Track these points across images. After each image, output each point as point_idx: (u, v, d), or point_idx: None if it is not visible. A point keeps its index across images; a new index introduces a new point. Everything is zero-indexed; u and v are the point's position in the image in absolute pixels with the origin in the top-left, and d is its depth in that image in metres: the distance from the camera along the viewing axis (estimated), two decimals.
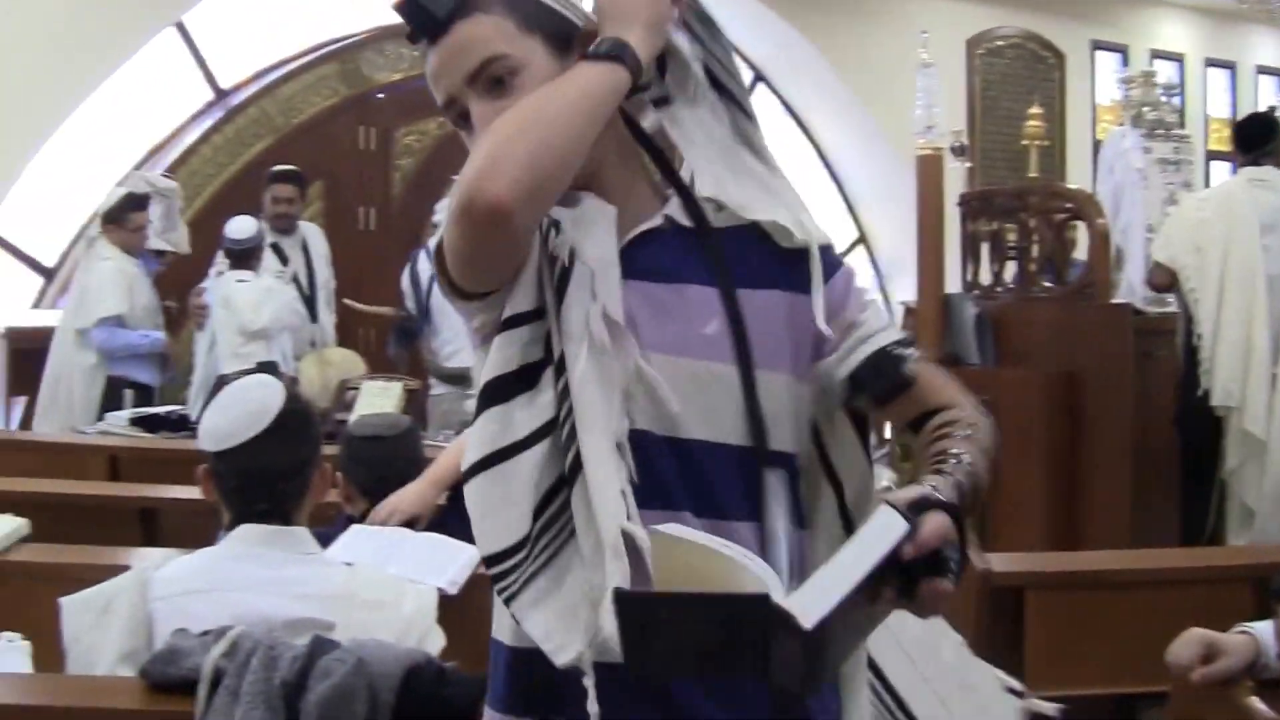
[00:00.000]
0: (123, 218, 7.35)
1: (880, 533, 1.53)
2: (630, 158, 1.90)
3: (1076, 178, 11.72)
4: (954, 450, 1.75)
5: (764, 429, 1.78)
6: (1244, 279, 6.22)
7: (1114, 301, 6.75)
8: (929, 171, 7.14)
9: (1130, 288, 7.27)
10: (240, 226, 7.30)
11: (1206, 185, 10.61)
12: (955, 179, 8.54)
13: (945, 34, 11.82)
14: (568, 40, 1.83)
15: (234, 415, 2.81)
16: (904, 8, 11.94)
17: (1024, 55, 13.04)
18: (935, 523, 1.55)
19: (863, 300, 1.91)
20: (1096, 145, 11.74)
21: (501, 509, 1.69)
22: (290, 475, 2.81)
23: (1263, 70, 15.15)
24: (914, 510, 1.55)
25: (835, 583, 1.45)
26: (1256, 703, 2.37)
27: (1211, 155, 13.72)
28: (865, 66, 11.60)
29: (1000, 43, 12.90)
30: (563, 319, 1.73)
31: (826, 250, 1.89)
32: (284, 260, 7.80)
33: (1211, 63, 14.69)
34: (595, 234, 1.78)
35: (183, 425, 6.42)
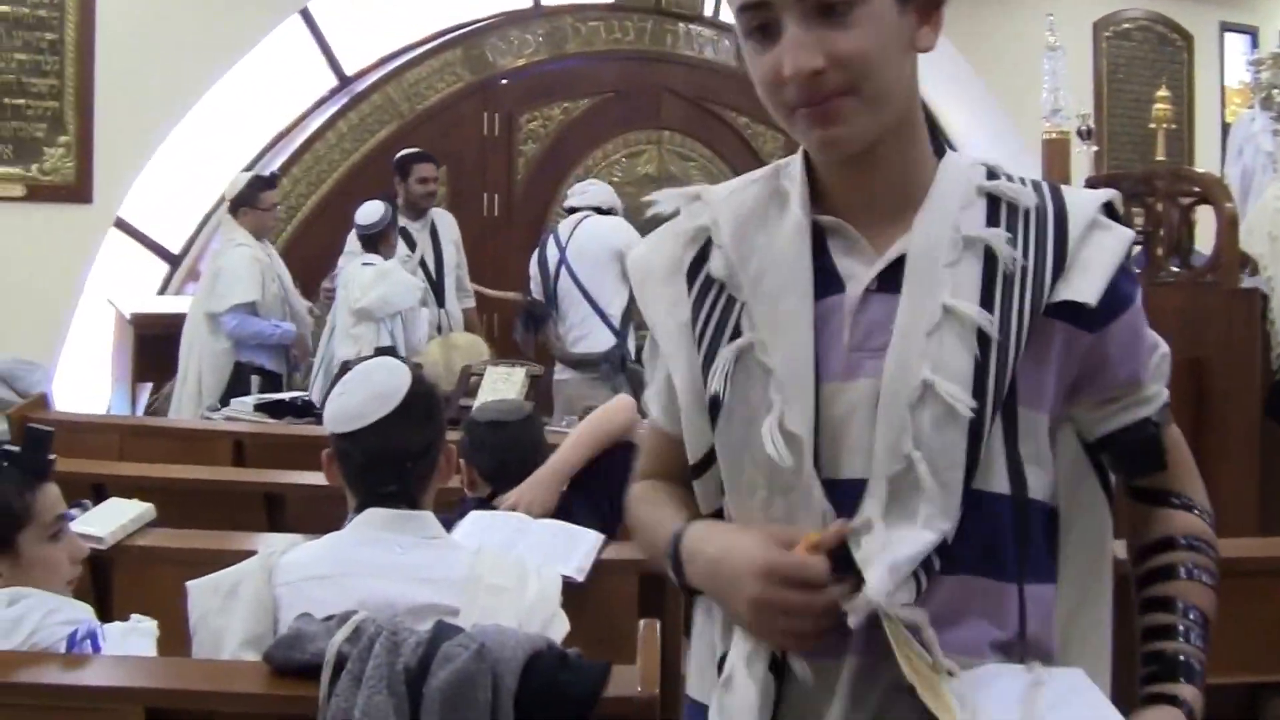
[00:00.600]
0: (253, 198, 7.42)
1: None
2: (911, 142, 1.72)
3: (1204, 161, 11.53)
4: (1188, 621, 1.74)
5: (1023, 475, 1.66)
6: None
7: (1242, 287, 6.62)
8: (1055, 155, 7.07)
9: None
10: (369, 211, 7.37)
11: None
12: (1082, 163, 8.43)
13: (1072, 17, 11.66)
14: None
15: (361, 397, 2.84)
16: None
17: (1151, 38, 12.83)
18: None
19: (1149, 350, 1.75)
20: (1225, 129, 11.54)
21: None
22: (418, 456, 2.84)
23: None
24: None
25: None
26: None
27: None
28: (992, 51, 11.49)
29: (1127, 25, 12.70)
30: (725, 426, 1.70)
31: (1121, 278, 1.68)
32: (411, 245, 7.85)
33: None
34: (786, 325, 1.67)
35: (307, 411, 6.50)
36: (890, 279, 1.65)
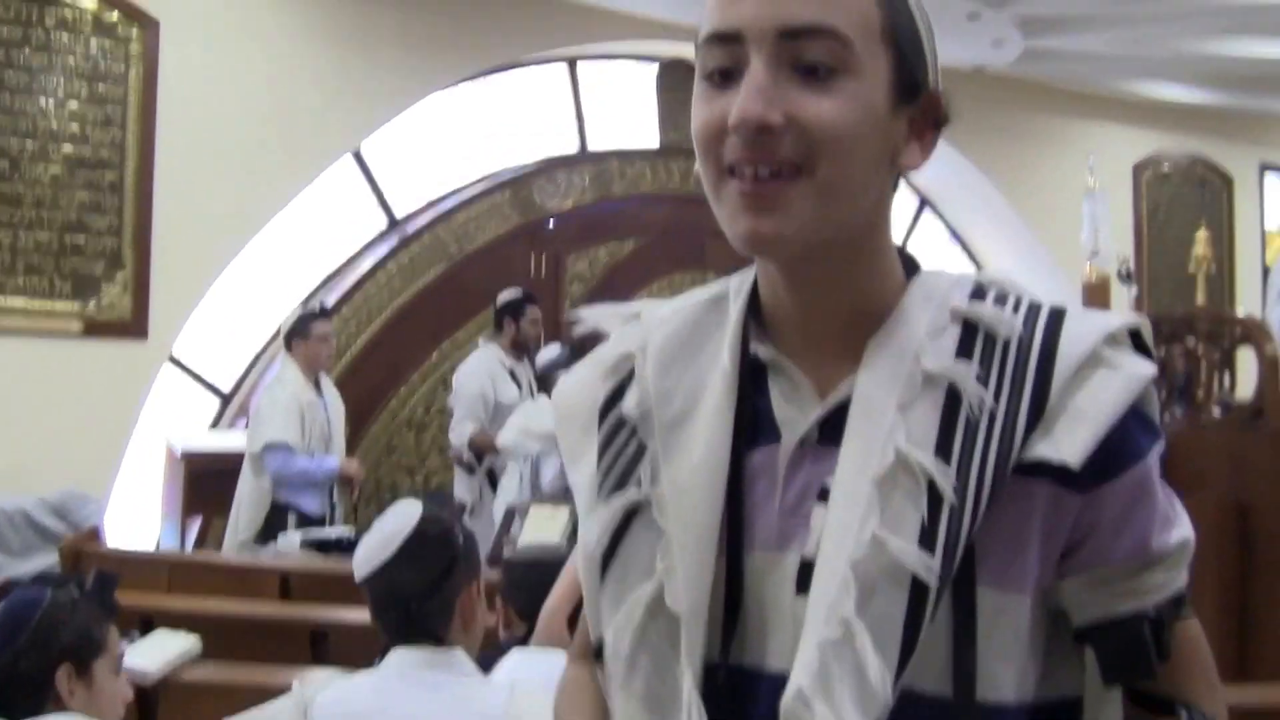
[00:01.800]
0: (305, 329, 7.49)
1: None
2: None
3: (1245, 303, 11.56)
4: None
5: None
6: None
7: None
8: (1096, 298, 7.11)
9: None
10: (549, 352, 7.46)
11: None
12: (1122, 305, 8.47)
13: (1112, 159, 11.79)
14: (914, 89, 1.36)
15: (368, 543, 2.95)
16: (1071, 133, 11.94)
17: (1191, 179, 12.93)
18: None
19: (1161, 523, 1.38)
20: (1265, 271, 11.58)
21: None
22: (423, 597, 2.89)
23: None
24: None
25: None
26: None
27: None
28: (1033, 192, 11.60)
29: (1168, 167, 12.81)
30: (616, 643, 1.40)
31: (1130, 426, 1.34)
32: (517, 385, 7.91)
33: None
34: (693, 481, 1.38)
35: (351, 547, 6.56)
36: (835, 427, 1.35)
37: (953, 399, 1.32)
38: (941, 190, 11.79)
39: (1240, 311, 9.02)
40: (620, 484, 1.40)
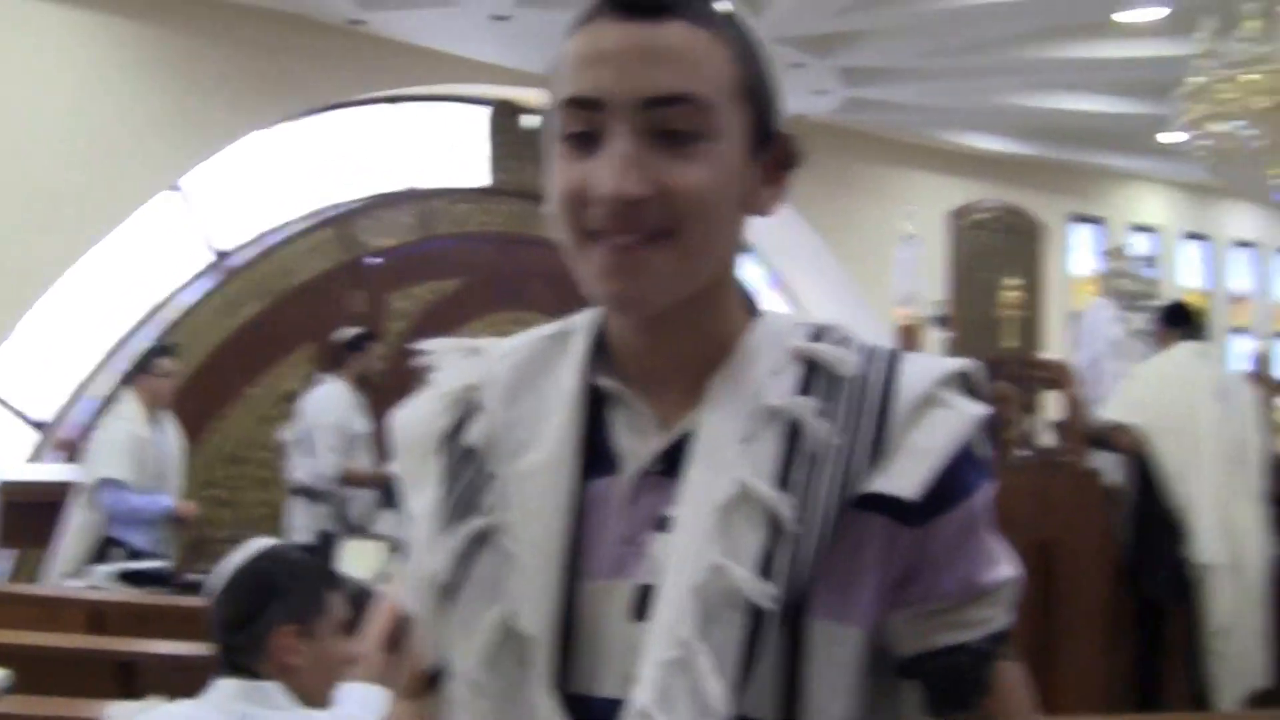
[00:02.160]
0: (148, 365, 7.41)
1: None
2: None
3: (1053, 347, 11.89)
4: None
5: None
6: (1202, 440, 6.42)
7: (1086, 469, 6.86)
8: (910, 341, 7.30)
9: (1104, 456, 7.38)
10: None
11: None
12: (935, 348, 8.68)
13: (928, 206, 12.06)
14: (767, 138, 1.38)
15: (212, 576, 3.00)
16: (890, 181, 12.24)
17: (1003, 227, 13.27)
18: None
19: (988, 561, 1.39)
20: (1072, 316, 11.94)
21: None
22: (234, 629, 2.92)
23: (1237, 243, 15.43)
24: None
25: None
26: None
27: None
28: (852, 238, 11.85)
29: (982, 215, 13.14)
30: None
31: (963, 465, 1.36)
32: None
33: (1188, 235, 14.97)
34: (539, 508, 1.38)
35: (165, 581, 6.51)
36: (675, 461, 1.36)
37: (794, 433, 1.33)
38: (762, 235, 11.98)
39: (1047, 355, 9.30)
40: (467, 511, 1.39)
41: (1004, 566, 1.39)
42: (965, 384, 1.39)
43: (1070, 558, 6.40)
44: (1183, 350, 6.72)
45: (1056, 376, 7.23)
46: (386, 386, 8.66)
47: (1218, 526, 6.27)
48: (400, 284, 10.14)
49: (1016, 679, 1.43)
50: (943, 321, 9.33)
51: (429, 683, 1.45)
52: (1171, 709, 6.29)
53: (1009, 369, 7.38)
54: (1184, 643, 6.34)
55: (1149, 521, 6.40)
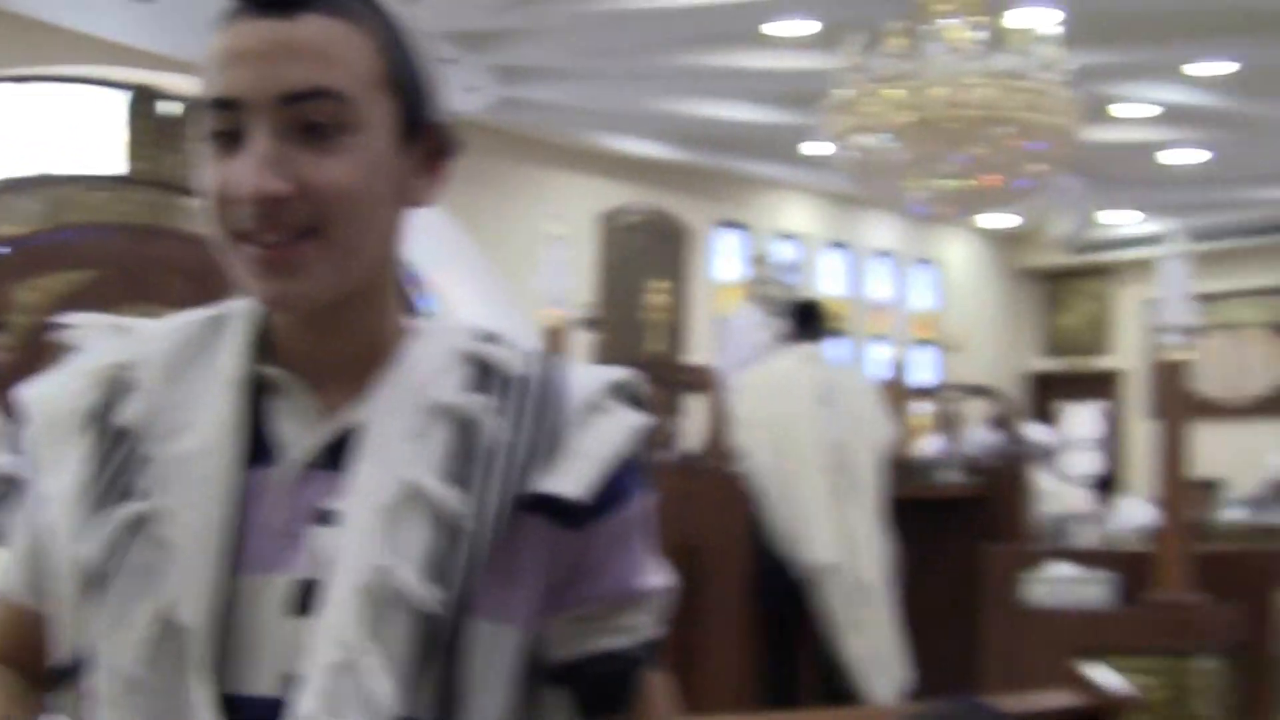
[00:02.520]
0: None
1: None
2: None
3: (698, 351, 12.09)
4: None
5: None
6: (804, 447, 6.58)
7: (730, 471, 6.95)
8: (557, 343, 7.27)
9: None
10: None
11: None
12: (582, 351, 8.70)
13: (579, 208, 12.15)
14: (419, 127, 1.37)
15: None
16: (541, 182, 12.24)
17: (652, 231, 13.46)
18: None
19: (644, 569, 1.42)
20: (718, 321, 12.15)
21: None
22: None
23: (878, 253, 15.96)
24: None
25: None
26: None
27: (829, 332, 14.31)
28: (501, 238, 11.79)
29: (632, 218, 13.29)
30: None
31: (623, 472, 1.38)
32: None
33: (831, 243, 15.41)
34: (197, 495, 1.32)
35: None
36: (337, 454, 1.34)
37: (464, 431, 1.33)
38: (410, 233, 11.81)
39: (692, 359, 9.43)
40: (120, 496, 1.33)
41: (658, 575, 1.42)
42: (629, 394, 1.41)
43: (713, 560, 6.46)
44: (790, 356, 6.88)
45: (701, 381, 7.31)
46: (7, 379, 8.22)
47: (829, 531, 6.43)
48: (27, 275, 9.65)
49: (660, 687, 1.46)
50: (590, 324, 9.38)
51: (58, 677, 1.36)
52: (806, 705, 6.42)
53: (654, 372, 7.43)
54: (811, 643, 6.47)
55: (763, 529, 6.52)
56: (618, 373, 1.42)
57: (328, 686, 1.24)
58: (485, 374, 1.37)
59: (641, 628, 1.41)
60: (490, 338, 1.42)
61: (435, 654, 1.27)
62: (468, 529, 1.29)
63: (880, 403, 6.98)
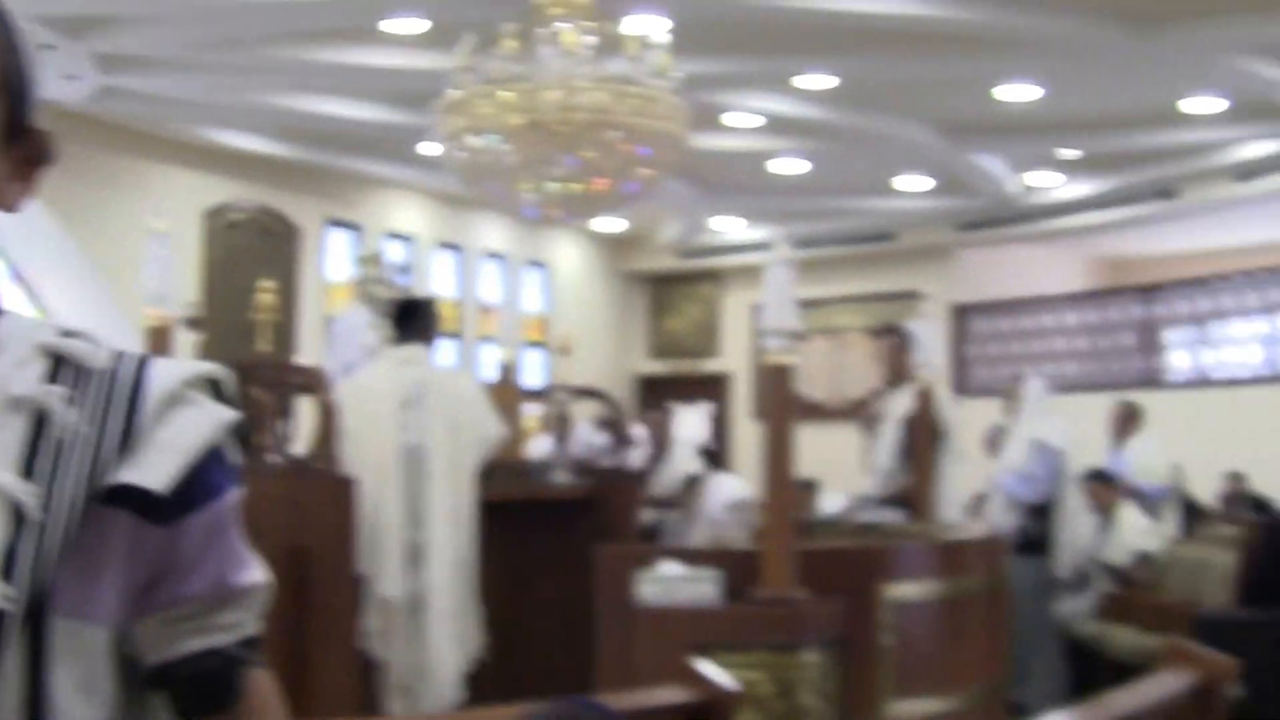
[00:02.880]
0: None
1: None
2: None
3: (308, 352, 11.91)
4: None
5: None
6: (383, 453, 6.67)
7: (338, 475, 6.85)
8: (159, 343, 7.02)
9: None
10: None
11: None
12: (187, 351, 8.45)
13: (183, 203, 11.82)
14: (20, 130, 1.36)
15: None
16: (143, 175, 11.86)
17: (259, 228, 13.20)
18: None
19: (238, 564, 1.39)
20: (328, 321, 11.99)
21: None
22: None
23: (489, 254, 16.02)
24: None
25: None
26: None
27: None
28: (101, 233, 11.40)
29: (238, 215, 13.00)
30: None
31: (212, 467, 1.35)
32: None
33: (442, 245, 15.40)
34: None
35: None
36: None
37: (39, 423, 1.28)
38: (4, 225, 11.30)
39: (302, 360, 9.27)
40: None
41: (253, 571, 1.39)
42: (215, 388, 1.39)
43: (325, 565, 6.37)
44: (387, 360, 6.90)
45: (310, 382, 7.18)
46: None
47: (395, 562, 6.57)
48: None
49: (266, 686, 1.43)
50: (194, 323, 9.12)
51: None
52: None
53: (263, 373, 7.28)
54: None
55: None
56: (202, 366, 1.40)
57: None
58: (64, 367, 1.33)
59: (240, 625, 1.38)
60: (73, 334, 1.37)
61: (11, 655, 1.22)
62: (42, 520, 1.24)
63: (485, 404, 7.02)
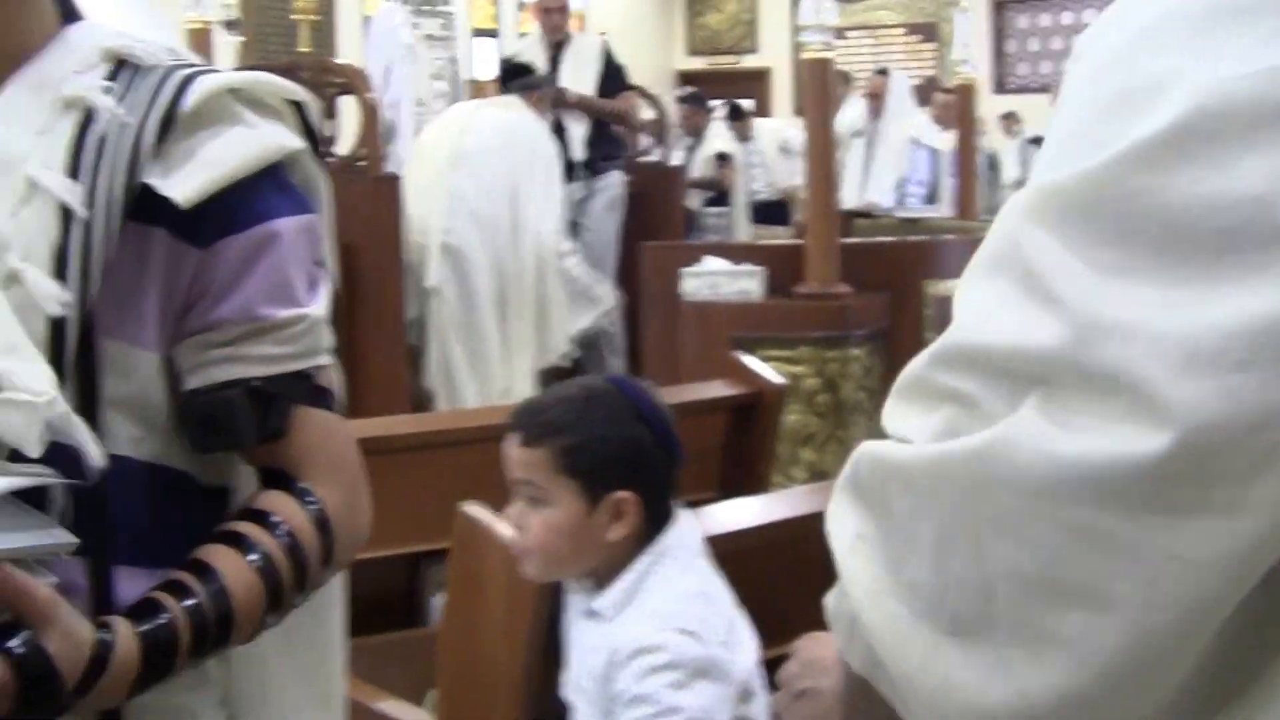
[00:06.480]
0: None
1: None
2: None
3: (347, 53, 11.81)
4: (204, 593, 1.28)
5: None
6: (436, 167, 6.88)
7: (384, 174, 6.87)
8: (199, 46, 7.00)
9: (398, 161, 7.41)
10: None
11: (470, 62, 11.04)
12: (227, 53, 8.40)
13: None
14: None
15: None
16: None
17: None
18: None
19: (277, 292, 1.35)
20: (366, 20, 11.85)
21: None
22: None
23: None
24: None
25: None
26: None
27: (477, 32, 14.12)
28: None
29: None
30: None
31: (262, 191, 1.34)
32: None
33: None
34: None
35: None
36: None
37: (89, 122, 1.28)
38: None
39: (343, 60, 9.21)
40: None
41: (298, 306, 1.35)
42: (300, 115, 1.39)
43: (372, 261, 6.44)
44: (471, 103, 6.95)
45: (351, 82, 7.14)
46: None
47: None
48: None
49: (330, 430, 1.40)
50: (232, 25, 9.03)
51: None
52: None
53: (304, 75, 7.24)
54: None
55: None
56: (277, 82, 1.38)
57: (37, 370, 1.19)
58: (123, 70, 1.32)
59: (279, 359, 1.35)
60: (138, 40, 1.36)
61: (66, 368, 1.23)
62: (83, 219, 1.24)
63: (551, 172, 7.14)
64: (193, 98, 1.29)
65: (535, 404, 2.32)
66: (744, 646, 2.20)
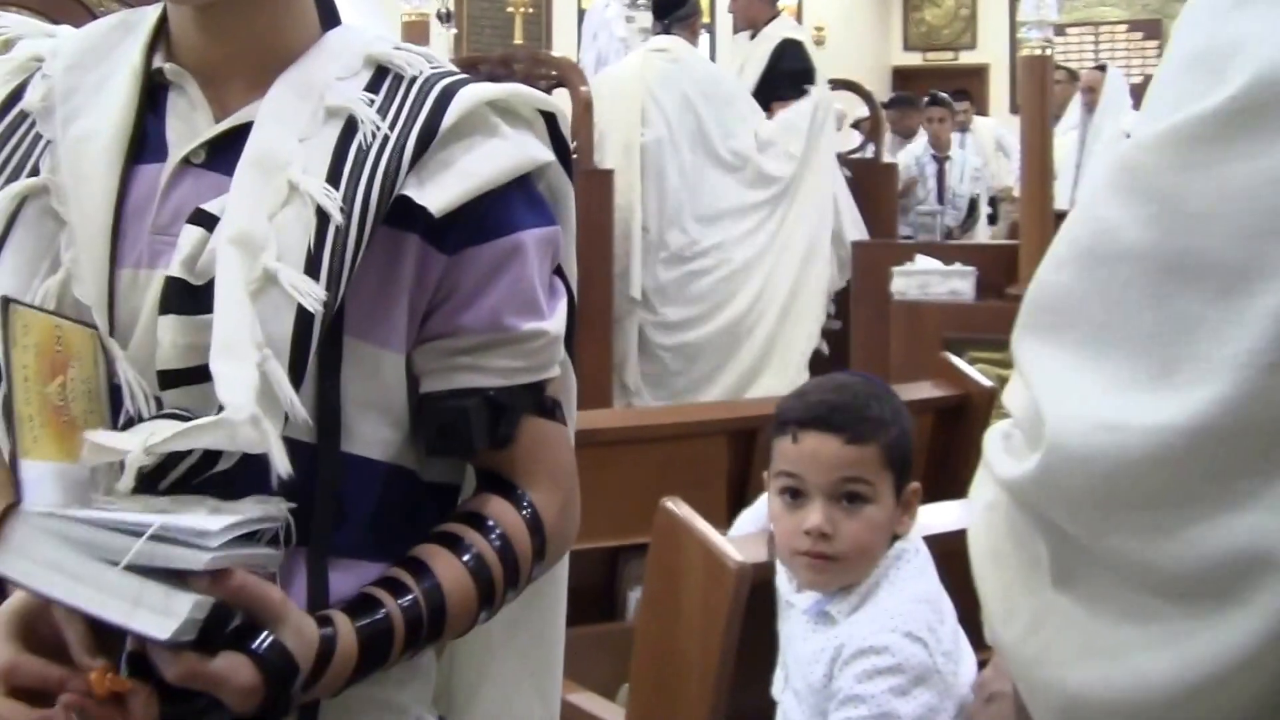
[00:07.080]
0: None
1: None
2: None
3: (561, 45, 11.89)
4: (422, 594, 1.31)
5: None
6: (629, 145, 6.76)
7: (596, 168, 6.90)
8: (415, 38, 7.09)
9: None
10: None
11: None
12: (443, 45, 8.51)
13: None
14: None
15: None
16: None
17: None
18: (225, 666, 1.14)
19: (525, 305, 1.37)
20: (582, 14, 11.93)
21: None
22: None
23: None
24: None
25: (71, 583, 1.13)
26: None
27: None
28: None
29: None
30: None
31: (510, 202, 1.36)
32: None
33: None
34: (89, 177, 1.31)
35: None
36: (227, 154, 1.31)
37: (350, 130, 1.31)
38: None
39: (557, 53, 9.27)
40: (15, 174, 1.34)
41: (540, 320, 1.38)
42: (551, 127, 1.41)
43: (582, 255, 6.45)
44: (640, 50, 6.87)
45: (564, 75, 7.18)
46: None
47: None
48: None
49: (555, 440, 1.43)
50: (448, 18, 9.14)
51: None
52: None
53: (517, 67, 7.30)
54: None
55: None
56: (534, 95, 1.40)
57: (250, 385, 1.21)
58: (383, 75, 1.36)
59: (516, 371, 1.37)
60: (404, 48, 1.39)
61: (309, 367, 1.26)
62: (341, 224, 1.26)
63: (744, 104, 7.01)
64: (453, 113, 1.32)
65: (839, 402, 2.17)
66: (966, 660, 2.13)
